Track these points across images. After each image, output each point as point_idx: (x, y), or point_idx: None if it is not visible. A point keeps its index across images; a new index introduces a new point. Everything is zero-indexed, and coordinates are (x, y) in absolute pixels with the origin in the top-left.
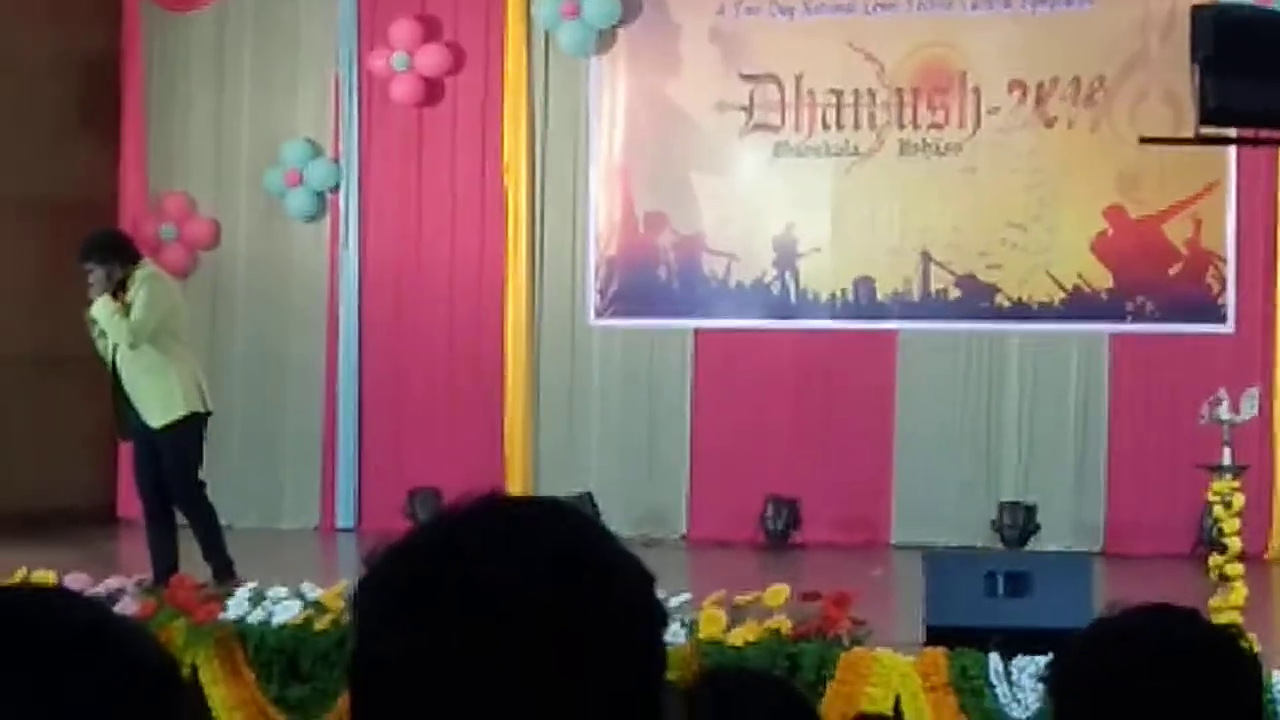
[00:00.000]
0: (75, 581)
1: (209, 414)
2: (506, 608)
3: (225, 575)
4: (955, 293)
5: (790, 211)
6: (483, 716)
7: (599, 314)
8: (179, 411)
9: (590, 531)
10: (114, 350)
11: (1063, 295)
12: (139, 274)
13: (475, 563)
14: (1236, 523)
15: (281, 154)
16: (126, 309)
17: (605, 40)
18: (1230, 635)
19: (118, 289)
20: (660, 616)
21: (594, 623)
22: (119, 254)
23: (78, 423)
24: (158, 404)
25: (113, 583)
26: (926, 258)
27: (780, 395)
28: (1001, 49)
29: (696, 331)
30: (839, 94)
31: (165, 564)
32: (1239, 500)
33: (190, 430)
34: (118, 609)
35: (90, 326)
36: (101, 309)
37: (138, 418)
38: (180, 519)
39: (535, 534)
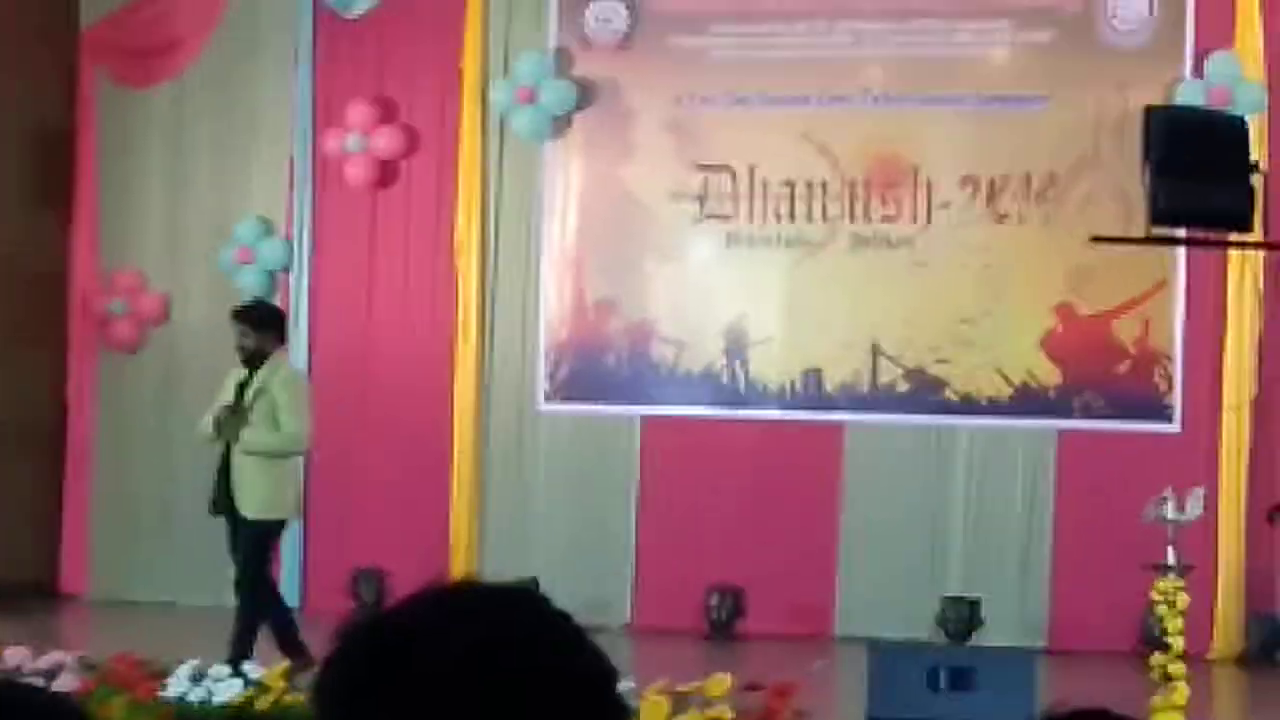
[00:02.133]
0: (15, 655)
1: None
2: (463, 697)
3: (236, 663)
4: (904, 386)
5: (741, 301)
6: None
7: (548, 399)
8: (277, 514)
9: (554, 624)
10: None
11: (1010, 391)
12: (281, 370)
13: (433, 649)
14: (1180, 622)
15: (234, 232)
16: (255, 393)
17: (560, 126)
18: None
19: (259, 362)
20: (620, 712)
21: (558, 712)
22: (275, 330)
23: (20, 495)
24: (259, 498)
25: (53, 657)
26: (876, 350)
27: (727, 484)
28: (954, 144)
29: (644, 419)
30: (792, 185)
31: (284, 634)
32: (1183, 599)
33: (277, 532)
34: (57, 684)
35: (217, 414)
36: (256, 443)
37: (230, 500)
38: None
39: (496, 622)
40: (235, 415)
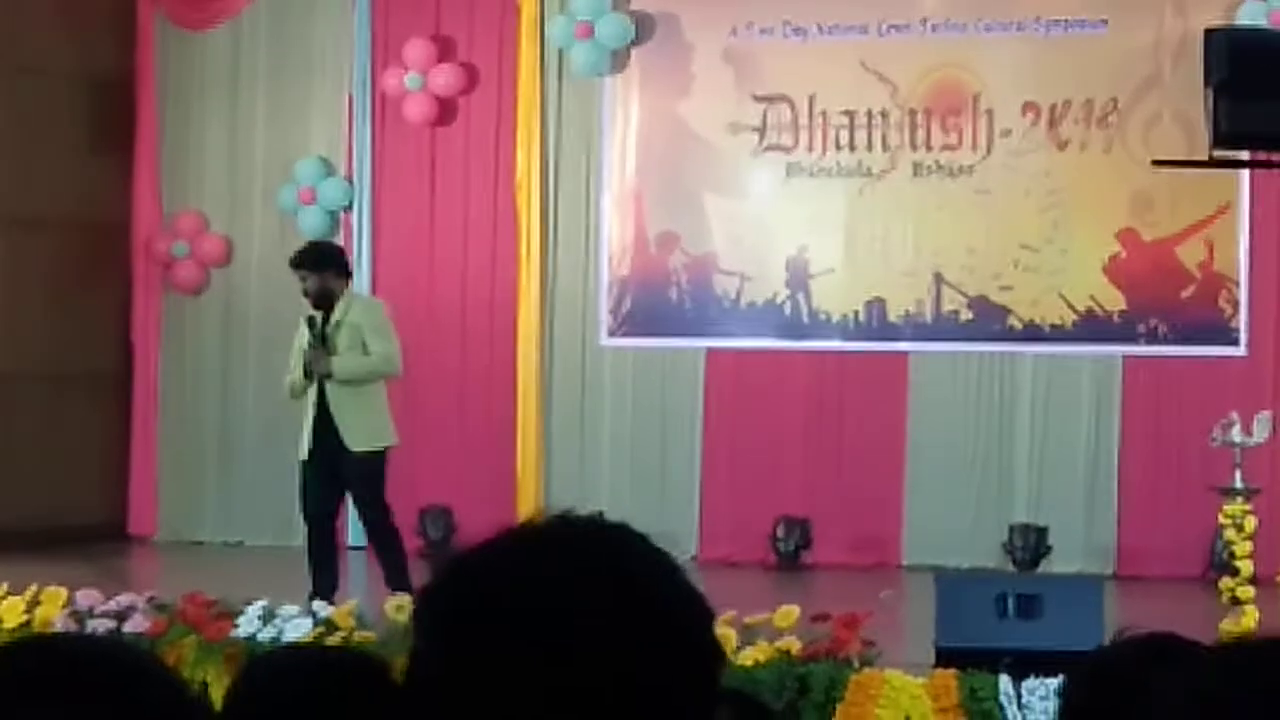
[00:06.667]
0: (87, 598)
1: None
2: (561, 634)
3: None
4: (967, 314)
5: (802, 232)
6: None
7: (611, 334)
8: (384, 442)
9: (652, 562)
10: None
11: (1075, 317)
12: (357, 301)
13: (535, 586)
14: (1248, 545)
15: (295, 172)
16: (334, 328)
17: (618, 60)
18: None
19: (328, 302)
20: (716, 652)
21: (648, 653)
22: (334, 267)
23: (89, 440)
24: (365, 430)
25: (123, 599)
26: (939, 279)
27: (792, 416)
28: (1015, 71)
29: (708, 351)
30: (852, 115)
31: (329, 582)
32: (1251, 523)
33: (384, 460)
34: (128, 625)
35: (305, 357)
36: (350, 369)
37: (335, 440)
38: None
39: (595, 560)
40: (320, 352)
